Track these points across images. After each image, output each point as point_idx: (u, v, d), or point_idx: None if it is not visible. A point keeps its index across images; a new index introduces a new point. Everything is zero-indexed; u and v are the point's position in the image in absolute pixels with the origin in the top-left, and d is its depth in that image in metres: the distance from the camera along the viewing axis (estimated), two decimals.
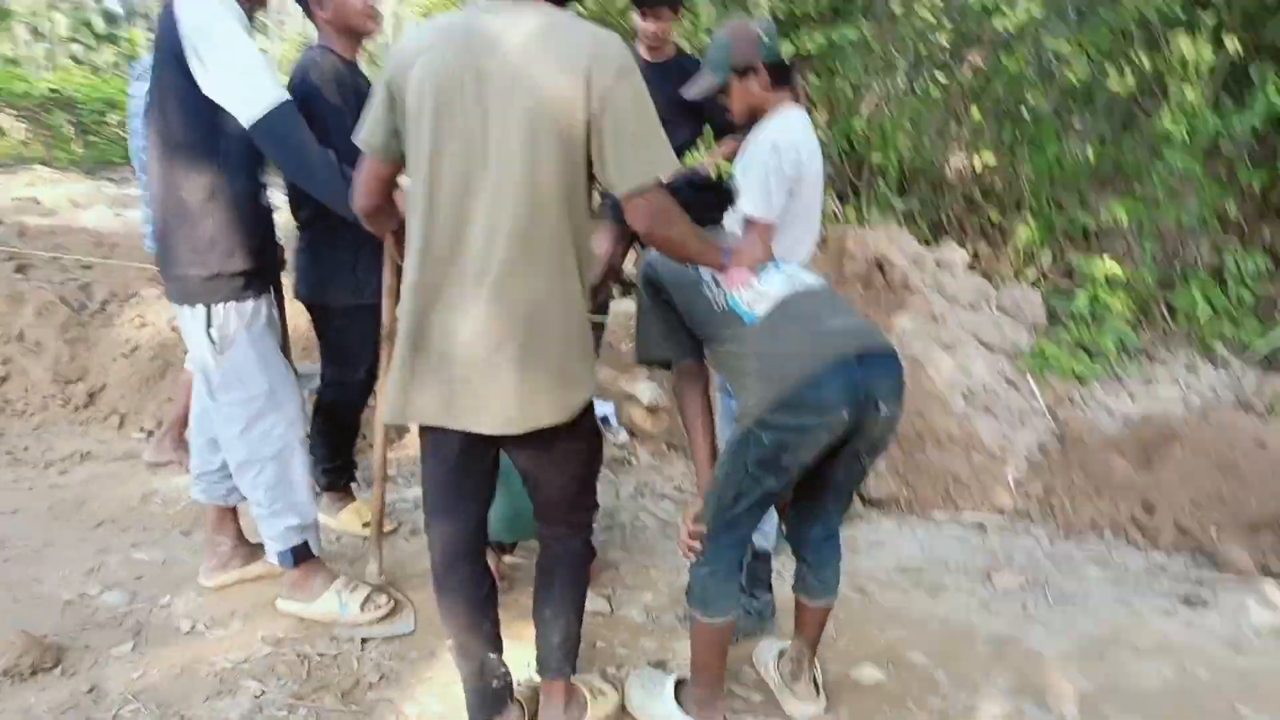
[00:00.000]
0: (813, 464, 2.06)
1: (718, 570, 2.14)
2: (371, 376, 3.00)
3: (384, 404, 2.05)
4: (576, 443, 1.97)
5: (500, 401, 1.78)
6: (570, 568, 2.12)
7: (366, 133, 1.86)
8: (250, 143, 2.28)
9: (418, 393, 1.83)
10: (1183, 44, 4.95)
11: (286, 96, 2.26)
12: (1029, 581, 3.19)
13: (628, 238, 2.76)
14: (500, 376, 1.76)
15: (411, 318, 1.82)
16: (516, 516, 2.49)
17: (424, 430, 1.94)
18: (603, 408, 3.82)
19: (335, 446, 3.17)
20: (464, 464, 1.94)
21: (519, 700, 2.18)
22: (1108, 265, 5.01)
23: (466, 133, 1.71)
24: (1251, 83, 5.22)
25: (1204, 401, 4.29)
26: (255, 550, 2.81)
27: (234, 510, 2.80)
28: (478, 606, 2.05)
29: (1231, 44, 5.05)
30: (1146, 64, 5.16)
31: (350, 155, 2.16)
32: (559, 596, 2.10)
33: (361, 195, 1.97)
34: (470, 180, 1.73)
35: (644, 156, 1.74)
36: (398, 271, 2.48)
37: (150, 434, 4.01)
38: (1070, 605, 3.05)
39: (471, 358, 1.77)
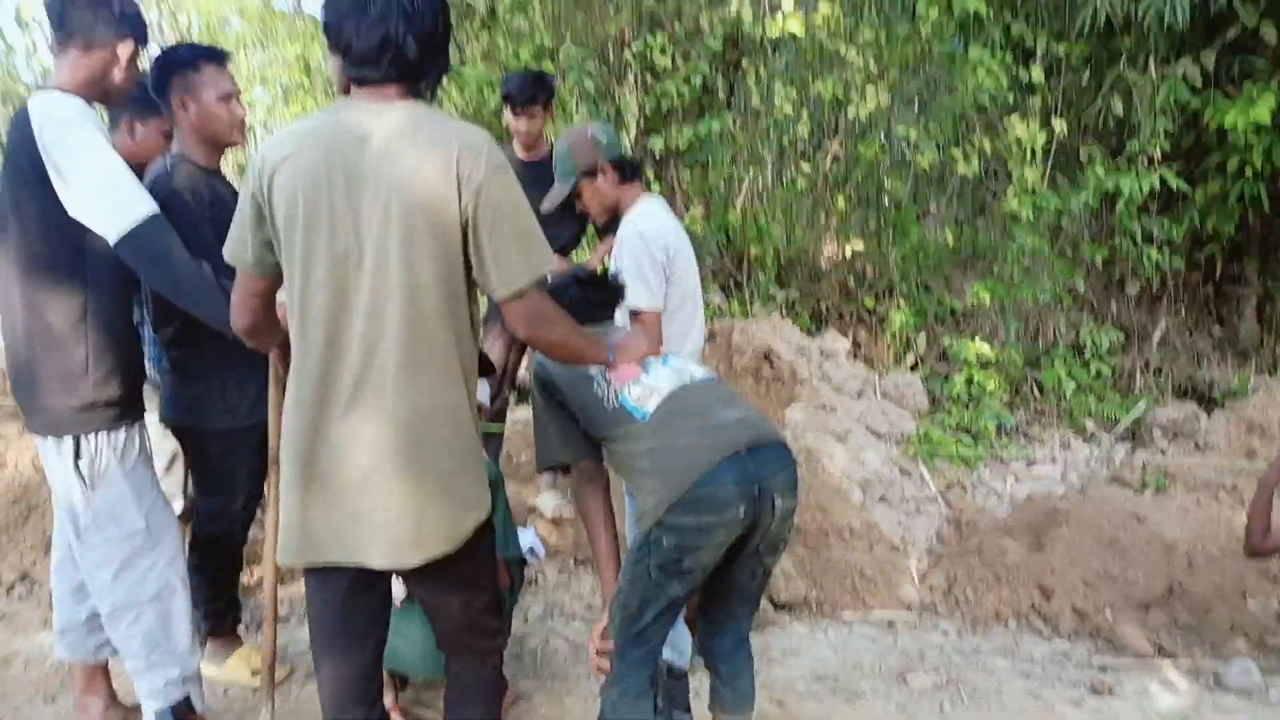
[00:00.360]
0: (715, 567, 2.02)
1: (629, 689, 2.06)
2: (251, 505, 2.81)
3: (276, 540, 1.92)
4: (473, 566, 1.84)
5: (390, 530, 1.67)
6: (480, 701, 1.97)
7: (236, 247, 1.76)
8: (120, 260, 2.15)
9: (312, 527, 1.71)
10: (1017, 127, 5.37)
11: (155, 210, 2.13)
12: (942, 680, 3.20)
13: (520, 342, 2.74)
14: (387, 501, 1.66)
15: (296, 440, 1.70)
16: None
17: (311, 574, 1.81)
18: (526, 537, 3.66)
19: (217, 586, 2.92)
20: (354, 600, 1.81)
21: None
22: (978, 346, 5.27)
23: (339, 238, 1.63)
24: (1081, 164, 5.70)
25: (1080, 477, 4.50)
26: (130, 713, 2.55)
27: (105, 668, 2.55)
28: None
29: (1059, 126, 5.51)
30: (988, 147, 5.56)
31: (223, 267, 2.04)
32: None
33: (239, 314, 1.85)
34: (346, 288, 1.64)
35: (521, 257, 1.68)
36: (283, 388, 2.37)
37: (10, 588, 3.62)
38: (984, 702, 3.07)
39: (354, 481, 1.67)
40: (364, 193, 1.62)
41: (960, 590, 3.83)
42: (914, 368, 5.61)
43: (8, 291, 2.18)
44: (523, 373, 4.32)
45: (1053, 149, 5.69)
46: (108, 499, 2.23)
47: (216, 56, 2.58)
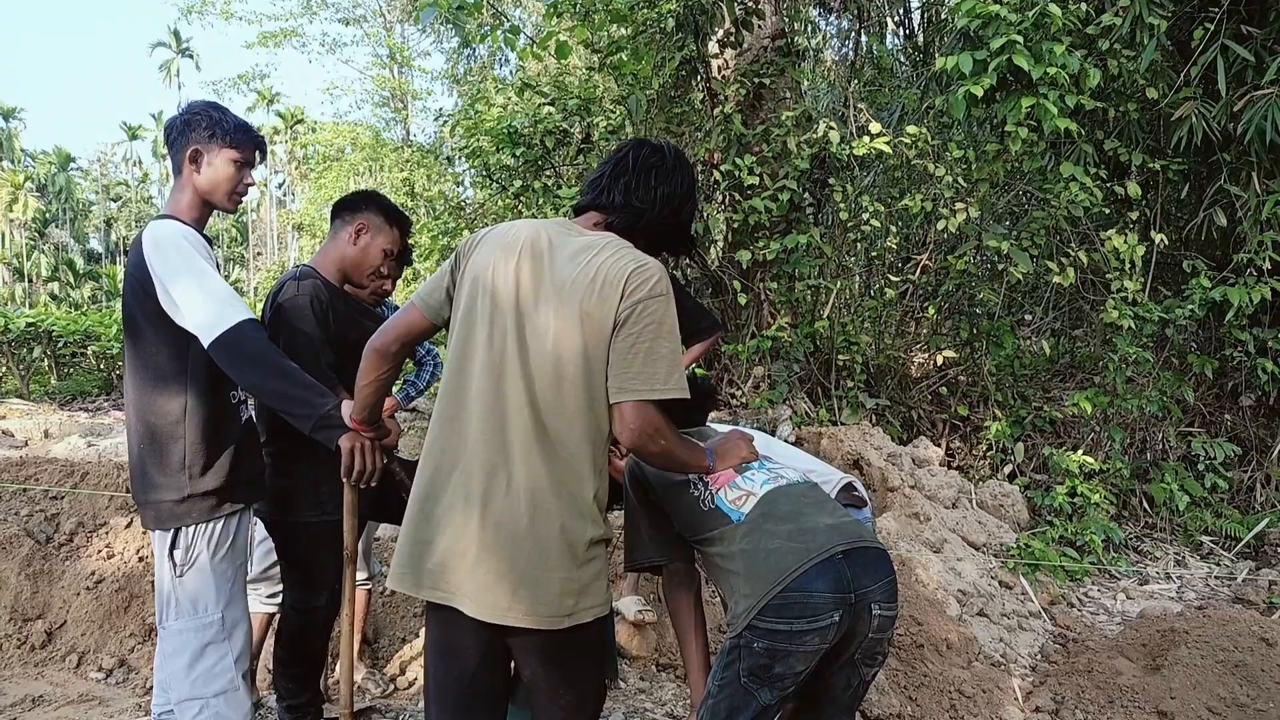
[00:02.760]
0: (809, 675, 1.95)
1: None
2: (334, 602, 2.86)
3: (353, 633, 2.12)
4: (577, 660, 1.85)
5: (486, 584, 1.73)
6: None
7: (426, 291, 1.96)
8: (218, 371, 2.31)
9: (420, 560, 1.80)
10: (1114, 239, 5.29)
11: (248, 316, 2.31)
12: None
13: None
14: (491, 559, 1.73)
15: (425, 483, 1.83)
16: None
17: (428, 614, 1.87)
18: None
19: (300, 680, 2.95)
20: (473, 660, 1.83)
21: None
22: (1080, 457, 5.07)
23: (509, 313, 1.80)
24: (1185, 273, 5.55)
25: (1199, 596, 4.20)
26: None
27: None
28: None
29: (1159, 238, 5.40)
30: (1084, 259, 5.48)
31: (322, 376, 2.25)
32: None
33: (381, 333, 2.01)
34: (504, 359, 1.79)
35: (650, 371, 1.77)
36: (356, 491, 2.46)
37: (109, 674, 3.76)
38: None
39: (467, 535, 1.74)
40: (543, 283, 1.80)
41: (1069, 711, 3.57)
42: (1012, 478, 5.41)
43: (127, 396, 2.41)
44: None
45: (1153, 260, 5.58)
46: (193, 587, 2.34)
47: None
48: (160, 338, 2.31)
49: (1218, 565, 4.50)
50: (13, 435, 7.07)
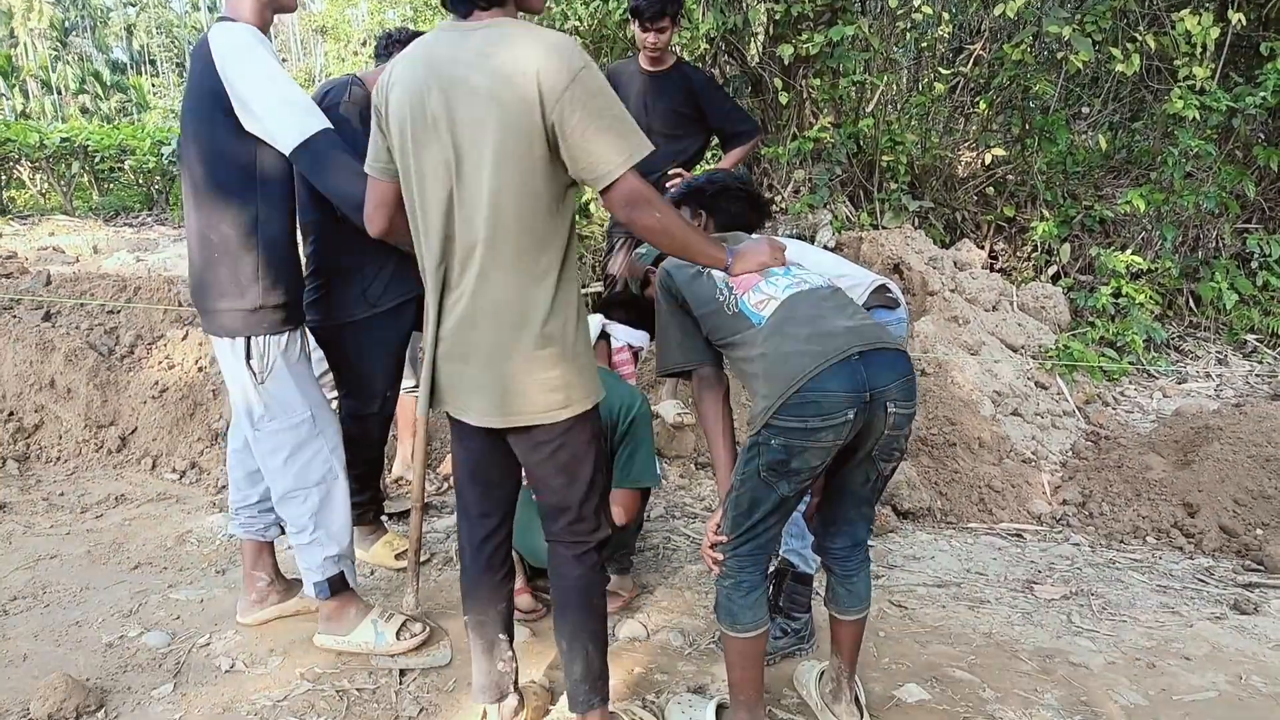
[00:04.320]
0: (827, 468, 2.05)
1: (742, 582, 2.12)
2: (388, 407, 3.00)
3: (420, 441, 2.27)
4: (567, 451, 1.98)
5: (480, 397, 1.90)
6: (580, 594, 2.10)
7: (371, 157, 1.98)
8: (286, 183, 2.36)
9: (437, 383, 1.99)
10: (1187, 21, 4.89)
11: (325, 124, 2.29)
12: (1072, 592, 3.12)
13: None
14: (479, 374, 1.88)
15: (429, 315, 1.96)
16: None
17: (451, 421, 2.07)
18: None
19: (361, 480, 3.16)
20: (482, 454, 2.07)
21: (519, 692, 2.25)
22: (1129, 257, 4.95)
23: (441, 148, 1.79)
24: (1260, 58, 5.16)
25: (1238, 394, 4.21)
26: (292, 586, 2.81)
27: (271, 545, 2.80)
28: (494, 588, 2.17)
29: (1237, 18, 4.98)
30: (1151, 44, 5.10)
31: None
32: (572, 627, 2.10)
33: (373, 220, 2.06)
34: (449, 193, 1.81)
35: (612, 143, 1.74)
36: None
37: (182, 475, 4.05)
38: (1116, 615, 2.99)
39: (460, 353, 1.90)
40: (458, 106, 1.76)
41: (1096, 505, 3.70)
42: (1055, 279, 5.33)
43: (188, 209, 2.41)
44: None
45: (1226, 44, 5.17)
46: (277, 392, 2.45)
47: None
48: (232, 148, 2.29)
49: (1260, 363, 4.49)
50: (64, 251, 7.23)
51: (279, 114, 2.22)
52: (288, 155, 2.25)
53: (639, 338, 2.96)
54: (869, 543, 2.33)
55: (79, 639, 2.71)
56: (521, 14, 1.87)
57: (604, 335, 2.96)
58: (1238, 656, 2.68)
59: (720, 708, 2.29)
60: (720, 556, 2.15)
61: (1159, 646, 2.77)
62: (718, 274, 2.17)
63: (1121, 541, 3.50)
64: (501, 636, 2.19)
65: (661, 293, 2.28)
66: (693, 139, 4.01)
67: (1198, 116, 4.92)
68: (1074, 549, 3.45)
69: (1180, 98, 4.94)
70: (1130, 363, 4.58)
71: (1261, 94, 4.88)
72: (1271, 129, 5.75)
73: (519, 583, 2.77)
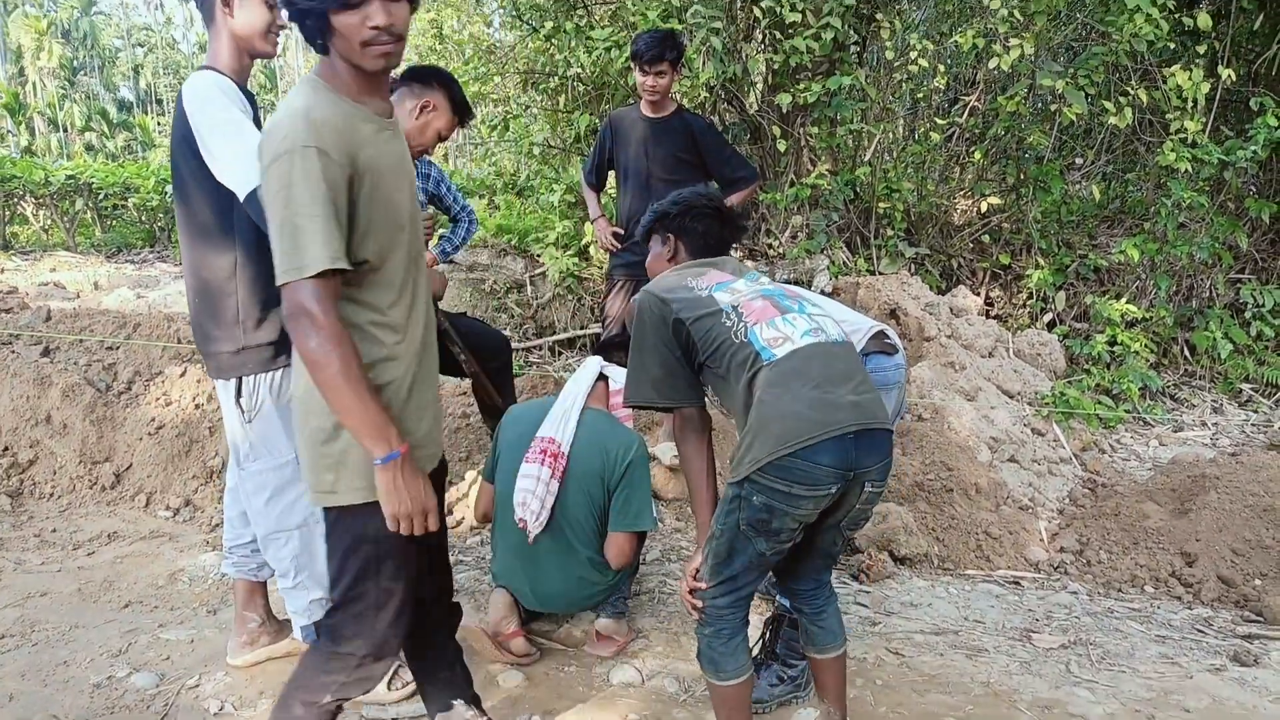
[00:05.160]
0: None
1: (722, 630, 2.11)
2: None
3: None
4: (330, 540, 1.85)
5: None
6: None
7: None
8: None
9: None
10: (1178, 76, 4.98)
11: None
12: (1071, 641, 3.10)
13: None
14: None
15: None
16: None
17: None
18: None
19: None
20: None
21: None
22: (1123, 306, 4.99)
23: None
24: (1250, 112, 5.25)
25: (1233, 443, 4.22)
26: (283, 627, 2.79)
27: (263, 586, 2.78)
28: None
29: (1226, 74, 5.08)
30: (1143, 98, 5.19)
31: None
32: None
33: None
34: None
35: (279, 252, 1.61)
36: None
37: (176, 512, 4.03)
38: (1115, 665, 2.96)
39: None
40: None
41: (1094, 552, 3.69)
42: (1051, 326, 5.36)
43: (182, 249, 2.46)
44: None
45: (1216, 99, 5.27)
46: (263, 432, 2.45)
47: None
48: (205, 192, 2.32)
49: (1255, 412, 4.50)
50: (64, 287, 7.26)
51: (233, 162, 2.25)
52: (241, 202, 2.25)
53: None
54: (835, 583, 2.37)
55: (66, 679, 2.67)
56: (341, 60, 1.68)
57: (602, 377, 2.96)
58: (1238, 710, 2.65)
59: None
60: (699, 603, 2.13)
61: (1158, 698, 2.73)
62: (718, 294, 2.14)
63: (1119, 590, 3.48)
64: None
65: (642, 319, 2.19)
66: (690, 183, 4.06)
67: (1190, 169, 5.00)
68: (1072, 597, 3.43)
69: (1172, 150, 5.01)
70: (1126, 410, 4.59)
71: (1252, 148, 4.96)
72: (1263, 181, 5.83)
73: (513, 625, 2.75)
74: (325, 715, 1.83)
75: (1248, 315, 5.13)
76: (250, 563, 2.71)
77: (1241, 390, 4.74)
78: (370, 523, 1.70)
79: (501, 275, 5.54)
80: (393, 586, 1.74)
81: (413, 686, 2.57)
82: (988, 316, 5.46)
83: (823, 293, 5.25)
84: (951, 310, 5.41)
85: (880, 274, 5.65)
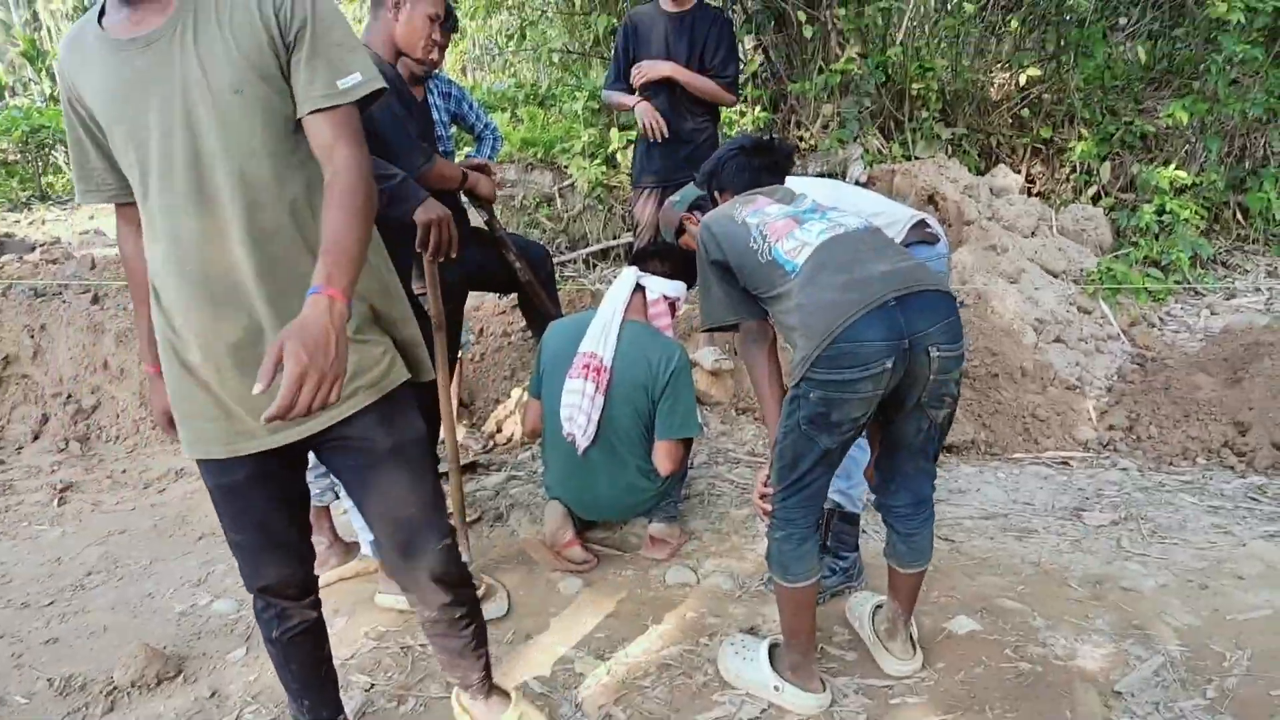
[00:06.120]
0: (885, 421, 2.04)
1: (792, 534, 2.12)
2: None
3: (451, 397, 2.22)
4: None
5: None
6: None
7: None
8: None
9: None
10: None
11: None
12: (1122, 517, 3.11)
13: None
14: None
15: None
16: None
17: None
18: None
19: None
20: None
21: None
22: (1172, 172, 4.80)
23: None
24: None
25: None
26: (350, 549, 2.92)
27: (328, 510, 2.90)
28: None
29: None
30: None
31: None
32: None
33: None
34: None
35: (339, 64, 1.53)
36: (434, 264, 2.61)
37: None
38: (1167, 538, 2.97)
39: None
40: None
41: (1144, 428, 3.66)
42: (1096, 200, 5.19)
43: None
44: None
45: None
46: None
47: None
48: None
49: None
50: (105, 234, 7.37)
51: None
52: None
53: (675, 288, 2.95)
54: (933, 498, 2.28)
55: (153, 609, 2.84)
56: None
57: (638, 288, 2.96)
58: None
59: (772, 648, 2.33)
60: (770, 507, 2.16)
61: (1211, 567, 2.75)
62: (751, 219, 2.14)
63: (1171, 464, 3.46)
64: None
65: (700, 245, 2.24)
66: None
67: (1243, 19, 4.71)
68: (1122, 474, 3.43)
69: (1225, 1, 4.72)
70: (1176, 281, 4.47)
71: None
72: None
73: (569, 535, 2.84)
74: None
75: None
76: (314, 487, 2.80)
77: None
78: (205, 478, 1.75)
79: (530, 190, 5.49)
80: (230, 536, 1.81)
81: (479, 592, 2.68)
82: (1030, 194, 5.30)
83: (857, 183, 5.13)
84: (992, 191, 5.26)
85: (917, 159, 5.49)
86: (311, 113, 1.52)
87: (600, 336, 2.80)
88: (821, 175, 5.36)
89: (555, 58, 6.47)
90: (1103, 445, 3.61)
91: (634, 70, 3.79)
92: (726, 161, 2.42)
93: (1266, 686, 2.24)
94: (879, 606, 2.45)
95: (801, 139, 5.75)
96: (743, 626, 2.56)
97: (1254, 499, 3.16)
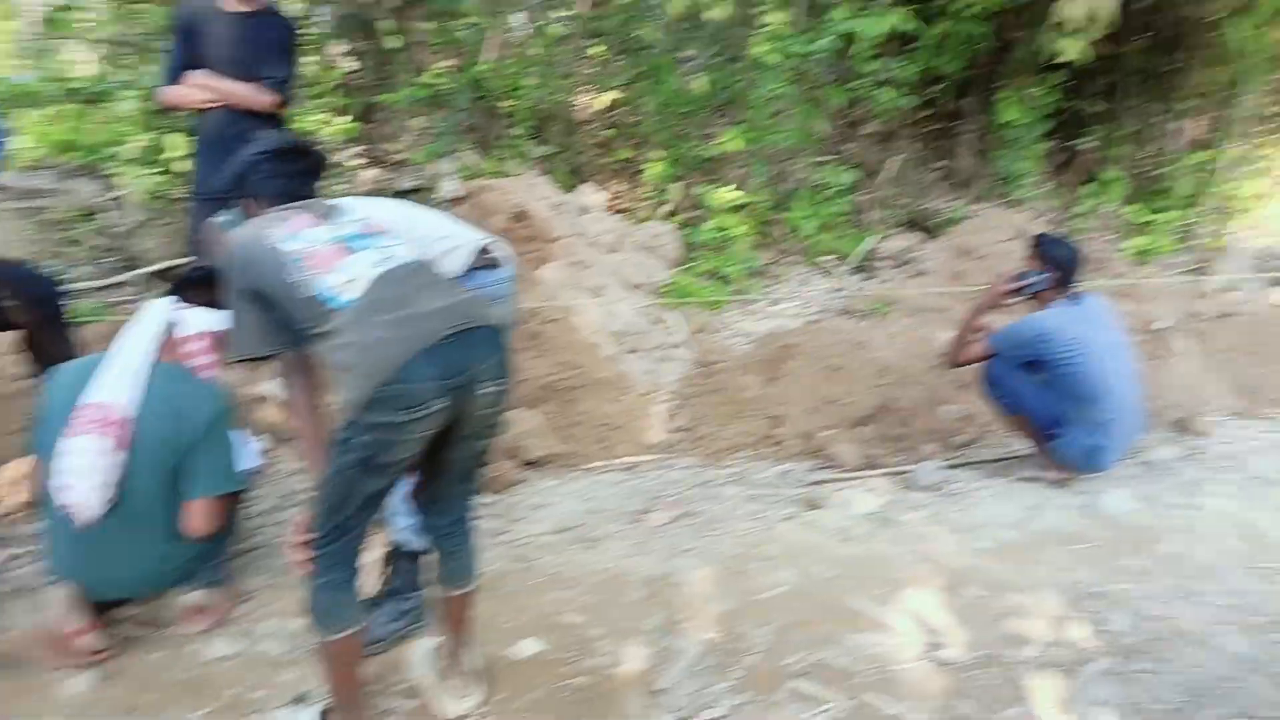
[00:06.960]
0: (431, 449, 2.01)
1: (334, 579, 2.01)
2: None
3: None
4: None
5: None
6: None
7: None
8: None
9: None
10: None
11: None
12: (680, 514, 3.38)
13: None
14: None
15: None
16: None
17: None
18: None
19: None
20: None
21: None
22: (729, 193, 5.38)
23: None
24: (829, 5, 5.78)
25: (817, 311, 4.78)
26: None
27: None
28: None
29: None
30: None
31: None
32: None
33: None
34: None
35: None
36: None
37: None
38: (715, 529, 3.28)
39: None
40: None
41: (705, 426, 4.03)
42: (670, 218, 5.68)
43: None
44: None
45: None
46: None
47: None
48: None
49: (835, 281, 5.13)
50: None
51: None
52: None
53: (220, 320, 2.66)
54: (477, 509, 2.31)
55: None
56: None
57: (170, 325, 2.61)
58: (803, 551, 3.07)
59: (325, 713, 2.19)
60: (308, 555, 2.01)
61: (745, 552, 3.08)
62: (287, 246, 1.98)
63: (723, 459, 3.85)
64: None
65: (228, 268, 2.05)
66: (277, 65, 3.63)
67: (779, 60, 5.42)
68: (683, 472, 3.75)
69: (763, 43, 5.40)
70: (731, 291, 5.03)
71: (828, 37, 5.48)
72: (841, 69, 6.49)
73: (78, 622, 2.39)
74: None
75: (830, 194, 5.78)
76: None
77: (822, 263, 5.39)
78: None
79: (70, 201, 4.72)
80: None
81: None
82: (613, 212, 5.63)
83: (447, 199, 5.09)
84: (580, 208, 5.51)
85: (510, 176, 5.59)
86: None
87: (117, 383, 2.44)
88: (413, 190, 5.26)
89: (104, 49, 5.67)
90: (668, 447, 3.92)
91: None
92: (254, 166, 2.23)
93: (781, 657, 2.53)
94: (438, 648, 2.41)
95: (388, 153, 5.60)
96: (292, 696, 2.35)
97: (780, 484, 3.61)
